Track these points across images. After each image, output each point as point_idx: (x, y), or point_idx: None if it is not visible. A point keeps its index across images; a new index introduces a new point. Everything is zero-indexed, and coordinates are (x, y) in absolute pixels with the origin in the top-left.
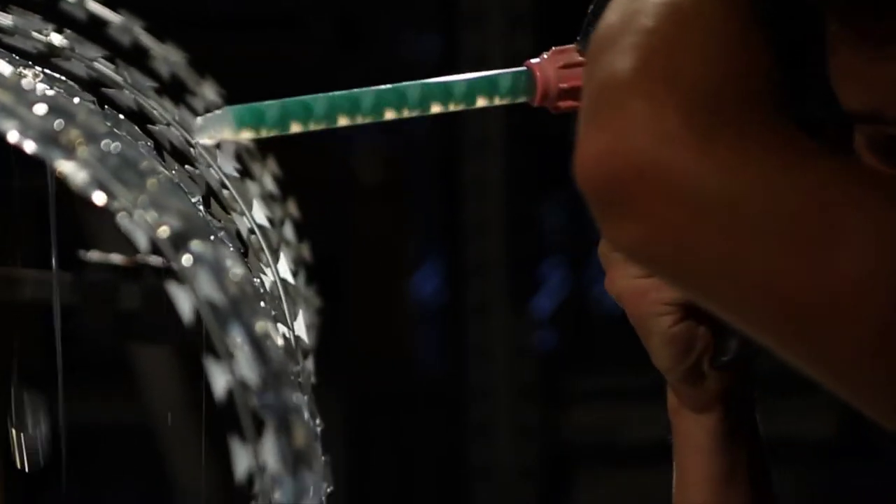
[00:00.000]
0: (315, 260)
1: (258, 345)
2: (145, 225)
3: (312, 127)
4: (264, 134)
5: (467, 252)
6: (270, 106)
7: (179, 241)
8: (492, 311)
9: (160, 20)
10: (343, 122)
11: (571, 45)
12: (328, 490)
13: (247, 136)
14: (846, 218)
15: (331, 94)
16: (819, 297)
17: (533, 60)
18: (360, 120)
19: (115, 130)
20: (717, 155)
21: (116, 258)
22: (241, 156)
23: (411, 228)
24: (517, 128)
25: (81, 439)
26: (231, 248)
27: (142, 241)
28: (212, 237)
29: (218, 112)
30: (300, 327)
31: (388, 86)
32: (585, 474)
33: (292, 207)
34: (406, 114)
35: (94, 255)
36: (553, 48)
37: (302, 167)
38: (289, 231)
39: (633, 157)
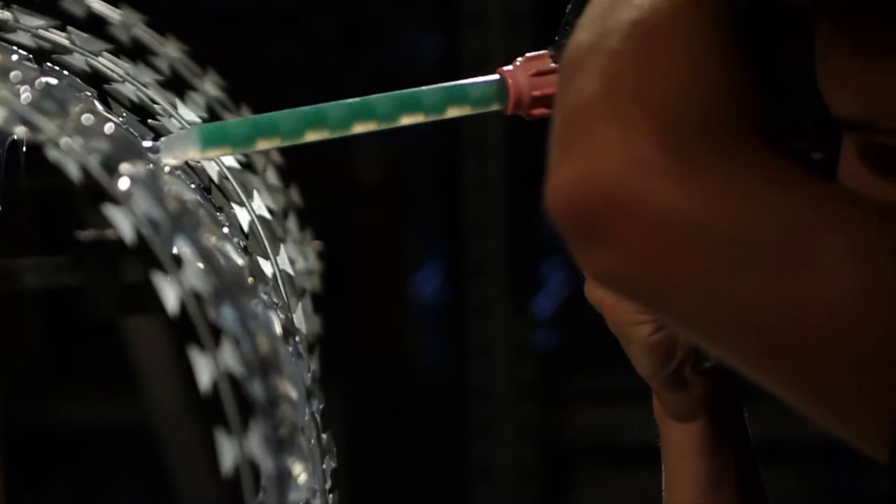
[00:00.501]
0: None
1: (207, 256)
2: (74, 153)
3: (280, 143)
4: (231, 153)
5: (468, 252)
6: (235, 124)
7: (112, 165)
8: (492, 311)
9: (160, 19)
10: (311, 137)
11: (544, 52)
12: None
13: (213, 155)
14: (821, 244)
15: (297, 109)
16: (793, 324)
17: (505, 68)
18: (328, 134)
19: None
20: (689, 182)
21: (112, 233)
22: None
23: (412, 228)
24: (517, 128)
25: (81, 439)
26: (169, 171)
27: (73, 171)
28: (148, 162)
29: (182, 132)
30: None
31: (357, 99)
32: (585, 474)
33: (295, 196)
34: (375, 126)
35: (89, 234)
36: (526, 55)
37: (302, 168)
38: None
39: (604, 186)
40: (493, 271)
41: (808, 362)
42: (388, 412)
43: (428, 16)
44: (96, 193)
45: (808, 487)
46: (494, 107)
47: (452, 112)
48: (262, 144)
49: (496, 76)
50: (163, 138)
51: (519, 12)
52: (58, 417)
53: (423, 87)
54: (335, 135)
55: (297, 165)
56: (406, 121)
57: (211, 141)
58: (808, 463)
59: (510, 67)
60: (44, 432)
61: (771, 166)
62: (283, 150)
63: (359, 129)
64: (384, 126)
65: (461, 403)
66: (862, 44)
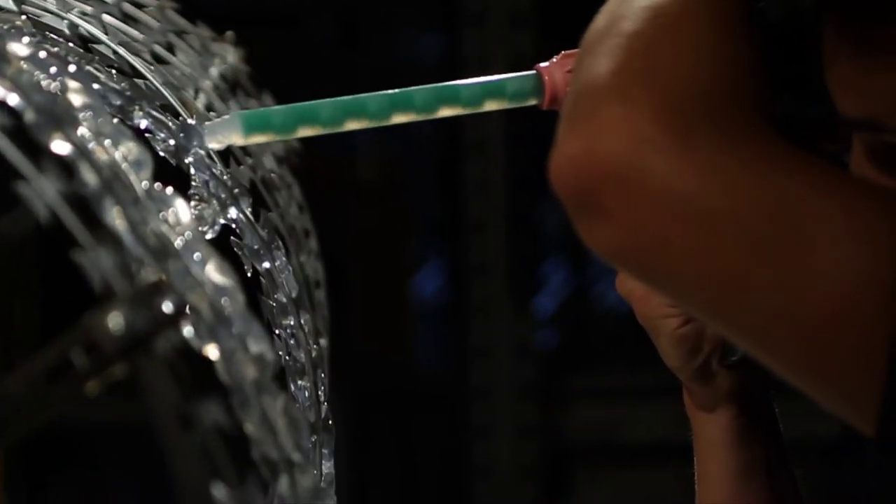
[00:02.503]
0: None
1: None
2: None
3: (320, 131)
4: (272, 138)
5: (468, 252)
6: (277, 111)
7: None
8: (493, 311)
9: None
10: (351, 126)
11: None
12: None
13: (255, 140)
14: (819, 223)
15: (338, 98)
16: (790, 300)
17: (542, 64)
18: (367, 124)
19: None
20: (691, 158)
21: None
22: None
23: (413, 228)
24: (518, 128)
25: (82, 437)
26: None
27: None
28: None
29: (226, 117)
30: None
31: (396, 90)
32: (586, 473)
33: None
34: (413, 117)
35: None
36: (562, 52)
37: (304, 167)
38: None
39: (607, 161)
40: (494, 271)
41: (801, 335)
42: (389, 412)
43: (429, 15)
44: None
45: (815, 488)
46: (530, 101)
47: (490, 105)
48: (303, 132)
49: (533, 72)
50: (207, 123)
51: (520, 12)
52: (59, 416)
53: (462, 81)
54: (374, 124)
55: (298, 165)
56: (444, 113)
57: (253, 127)
58: (810, 464)
59: (546, 63)
60: (45, 431)
61: (772, 148)
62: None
63: (397, 119)
64: (421, 117)
65: (462, 403)
66: (863, 43)
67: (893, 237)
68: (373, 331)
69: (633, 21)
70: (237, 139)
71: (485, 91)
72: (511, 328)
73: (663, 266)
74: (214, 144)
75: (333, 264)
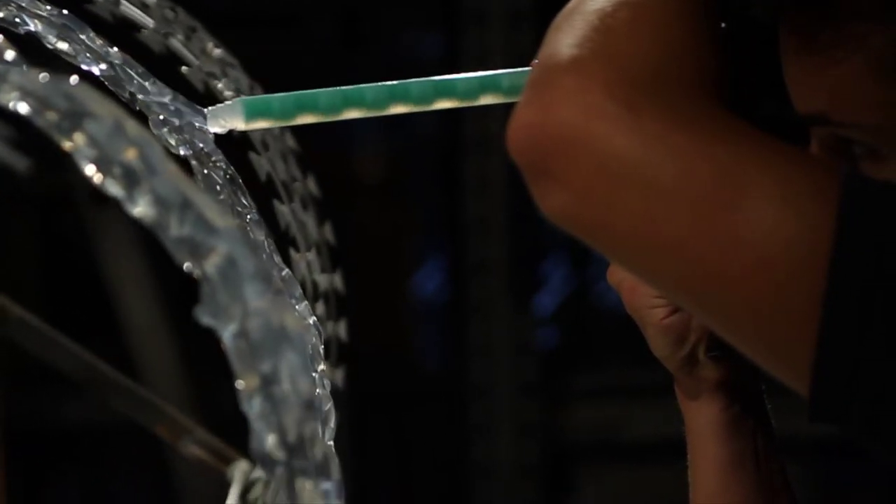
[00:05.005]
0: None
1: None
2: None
3: (319, 119)
4: (272, 125)
5: (469, 250)
6: (278, 98)
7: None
8: (493, 309)
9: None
10: (349, 114)
11: None
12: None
13: (256, 126)
14: (753, 190)
15: (338, 88)
16: (725, 263)
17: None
18: (365, 113)
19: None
20: (639, 129)
21: None
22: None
23: (413, 226)
24: None
25: (83, 436)
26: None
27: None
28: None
29: (228, 103)
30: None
31: (396, 82)
32: (586, 471)
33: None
34: (411, 108)
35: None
36: None
37: (304, 166)
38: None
39: (559, 128)
40: (494, 270)
41: (737, 299)
42: (389, 410)
43: (429, 13)
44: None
45: (808, 485)
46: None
47: (485, 99)
48: (302, 118)
49: (529, 68)
50: (209, 108)
51: (520, 11)
52: (60, 415)
53: (458, 75)
54: (372, 114)
55: (299, 165)
56: (441, 105)
57: (254, 112)
58: (808, 460)
59: None
60: (46, 430)
61: (716, 123)
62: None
63: (394, 109)
64: (418, 108)
65: (462, 401)
66: (809, 40)
67: (818, 201)
68: (373, 329)
69: (598, 2)
70: (239, 124)
71: (481, 85)
72: (511, 327)
73: (610, 231)
74: (217, 129)
75: (333, 262)
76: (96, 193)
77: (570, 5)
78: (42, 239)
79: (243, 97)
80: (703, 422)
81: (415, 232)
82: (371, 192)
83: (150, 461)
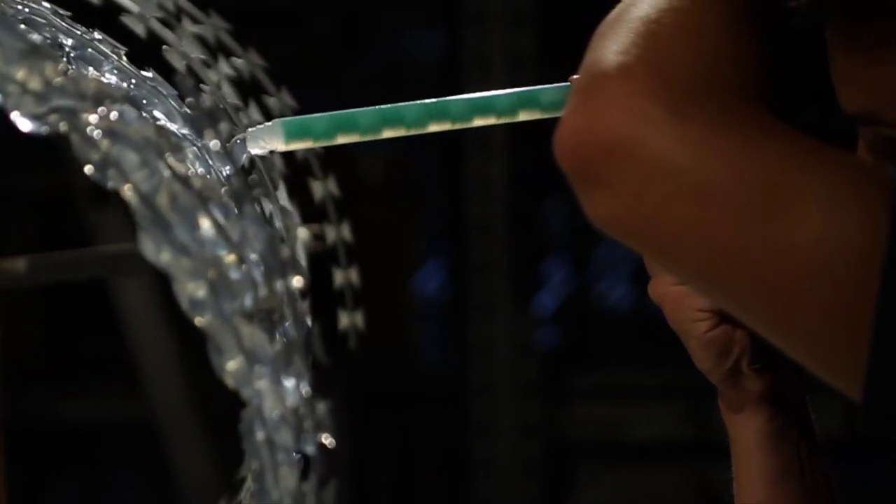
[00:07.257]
0: (318, 258)
1: None
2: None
3: (359, 139)
4: (312, 145)
5: (470, 250)
6: (318, 119)
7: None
8: (494, 309)
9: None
10: (388, 134)
11: None
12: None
13: (295, 147)
14: (804, 195)
15: (377, 107)
16: (777, 268)
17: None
18: (404, 132)
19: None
20: (687, 134)
21: None
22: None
23: (414, 227)
24: (520, 127)
25: (84, 435)
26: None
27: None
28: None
29: (268, 124)
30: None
31: (434, 100)
32: (587, 471)
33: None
34: (449, 126)
35: None
36: None
37: (305, 166)
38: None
39: (607, 134)
40: (496, 269)
41: (788, 304)
42: (391, 409)
43: (430, 13)
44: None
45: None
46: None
47: (524, 116)
48: (342, 139)
49: (568, 83)
50: (249, 129)
51: (520, 11)
52: (60, 413)
53: (495, 91)
54: (411, 132)
55: (300, 164)
56: (479, 122)
57: (294, 134)
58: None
59: None
60: (46, 428)
61: (764, 128)
62: (287, 152)
63: (433, 128)
64: (457, 126)
65: (463, 401)
66: (860, 36)
67: (868, 204)
68: (374, 328)
69: (643, 9)
70: (279, 145)
71: (520, 101)
72: (512, 326)
73: (658, 236)
74: (256, 150)
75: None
76: (96, 193)
77: (613, 12)
78: (42, 239)
79: (283, 118)
80: (748, 434)
81: (417, 232)
82: (373, 193)
83: (150, 461)
